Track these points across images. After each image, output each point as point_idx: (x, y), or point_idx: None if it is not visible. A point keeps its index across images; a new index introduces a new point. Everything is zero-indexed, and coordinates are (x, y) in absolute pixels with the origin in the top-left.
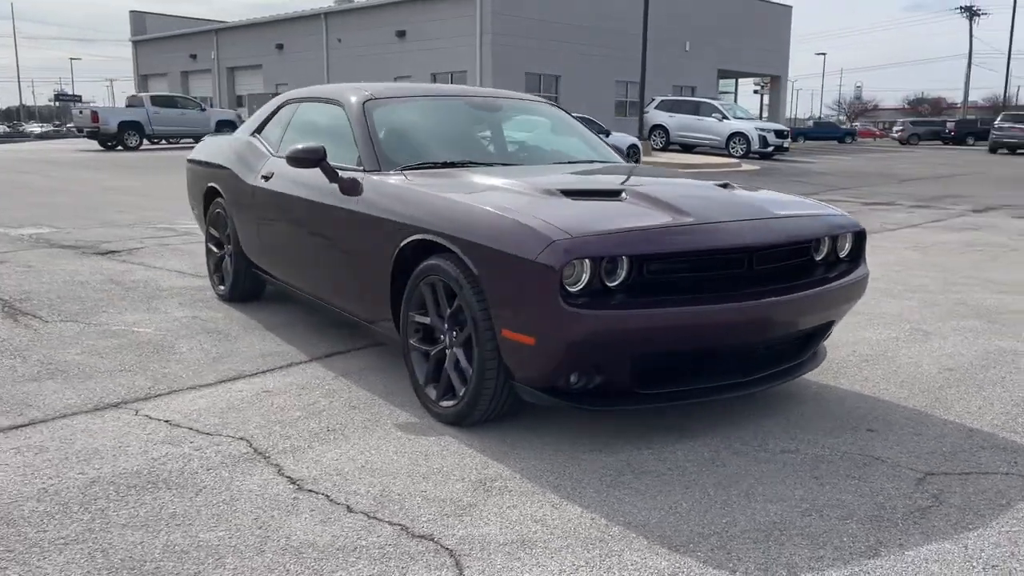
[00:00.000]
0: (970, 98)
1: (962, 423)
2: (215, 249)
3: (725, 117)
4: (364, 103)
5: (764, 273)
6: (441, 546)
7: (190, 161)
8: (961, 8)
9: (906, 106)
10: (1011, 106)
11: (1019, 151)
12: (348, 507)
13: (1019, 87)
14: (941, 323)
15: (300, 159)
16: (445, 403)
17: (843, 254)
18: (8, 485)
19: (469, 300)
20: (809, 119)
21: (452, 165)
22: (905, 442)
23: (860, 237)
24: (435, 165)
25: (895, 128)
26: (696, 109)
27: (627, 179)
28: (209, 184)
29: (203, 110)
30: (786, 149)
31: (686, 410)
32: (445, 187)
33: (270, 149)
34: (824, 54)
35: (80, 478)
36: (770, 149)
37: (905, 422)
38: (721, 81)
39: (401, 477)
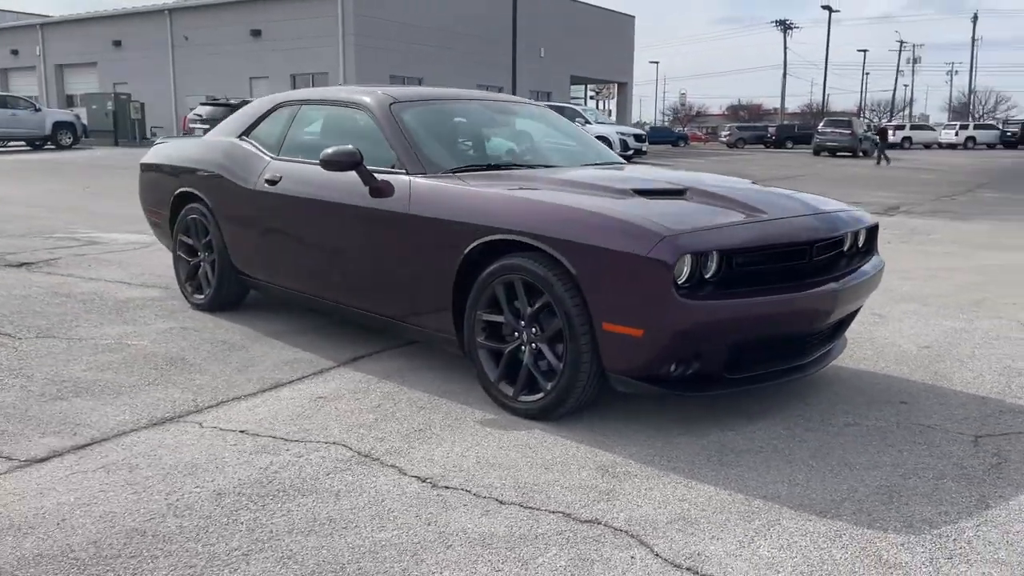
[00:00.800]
0: (786, 105)
1: (970, 392)
2: (187, 257)
3: (588, 122)
4: (390, 106)
5: (819, 264)
6: (614, 528)
7: (148, 166)
8: (776, 22)
9: (726, 112)
10: (828, 112)
11: (838, 153)
12: (498, 500)
13: (828, 95)
14: (888, 307)
15: (336, 162)
16: (526, 398)
17: (860, 245)
18: (129, 504)
19: (561, 296)
20: (639, 124)
21: (497, 167)
22: (939, 410)
23: (874, 230)
24: (480, 167)
25: (723, 133)
26: (560, 114)
27: (675, 177)
28: (181, 190)
29: (38, 110)
30: (644, 152)
31: (736, 395)
32: (514, 188)
33: (268, 153)
34: (657, 63)
35: (200, 492)
36: (631, 152)
37: (925, 394)
38: (572, 87)
39: (523, 469)
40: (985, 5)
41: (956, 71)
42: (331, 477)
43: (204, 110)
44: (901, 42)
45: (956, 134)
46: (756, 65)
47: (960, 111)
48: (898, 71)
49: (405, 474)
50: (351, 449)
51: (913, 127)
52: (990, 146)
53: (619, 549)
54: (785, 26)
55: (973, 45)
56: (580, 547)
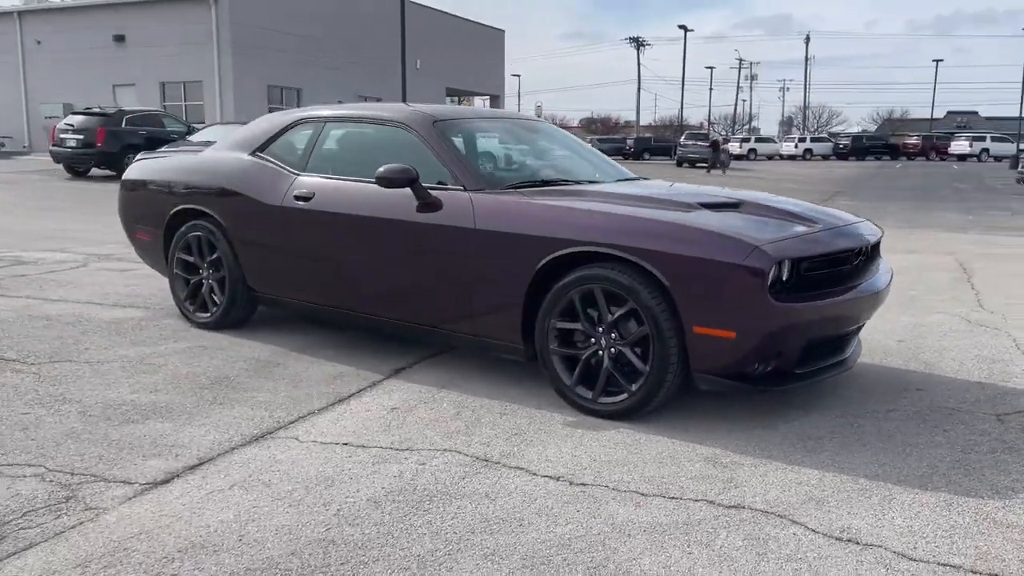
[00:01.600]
0: (639, 119)
1: (963, 378)
2: (186, 276)
3: None
4: (434, 123)
5: (855, 269)
6: (760, 511)
7: (134, 183)
8: (630, 39)
9: (580, 124)
10: (686, 126)
11: (698, 165)
12: (638, 493)
13: (683, 109)
14: None
15: (392, 179)
16: (607, 400)
17: (871, 252)
18: (295, 516)
19: (647, 303)
20: None
21: (547, 183)
22: (952, 395)
23: (879, 240)
24: (535, 183)
25: None
26: None
27: (722, 192)
28: (181, 207)
29: None
30: None
31: (780, 391)
32: (588, 203)
33: (292, 170)
34: (519, 75)
35: (354, 501)
36: None
37: (929, 380)
38: (448, 99)
39: (640, 465)
40: (811, 26)
41: (788, 88)
42: (467, 481)
43: (76, 120)
44: (740, 60)
45: (796, 146)
46: (606, 80)
47: (788, 124)
48: (738, 87)
49: (536, 475)
50: (465, 455)
51: (757, 140)
52: (825, 157)
53: (778, 528)
54: (638, 43)
55: (807, 64)
56: (745, 528)
